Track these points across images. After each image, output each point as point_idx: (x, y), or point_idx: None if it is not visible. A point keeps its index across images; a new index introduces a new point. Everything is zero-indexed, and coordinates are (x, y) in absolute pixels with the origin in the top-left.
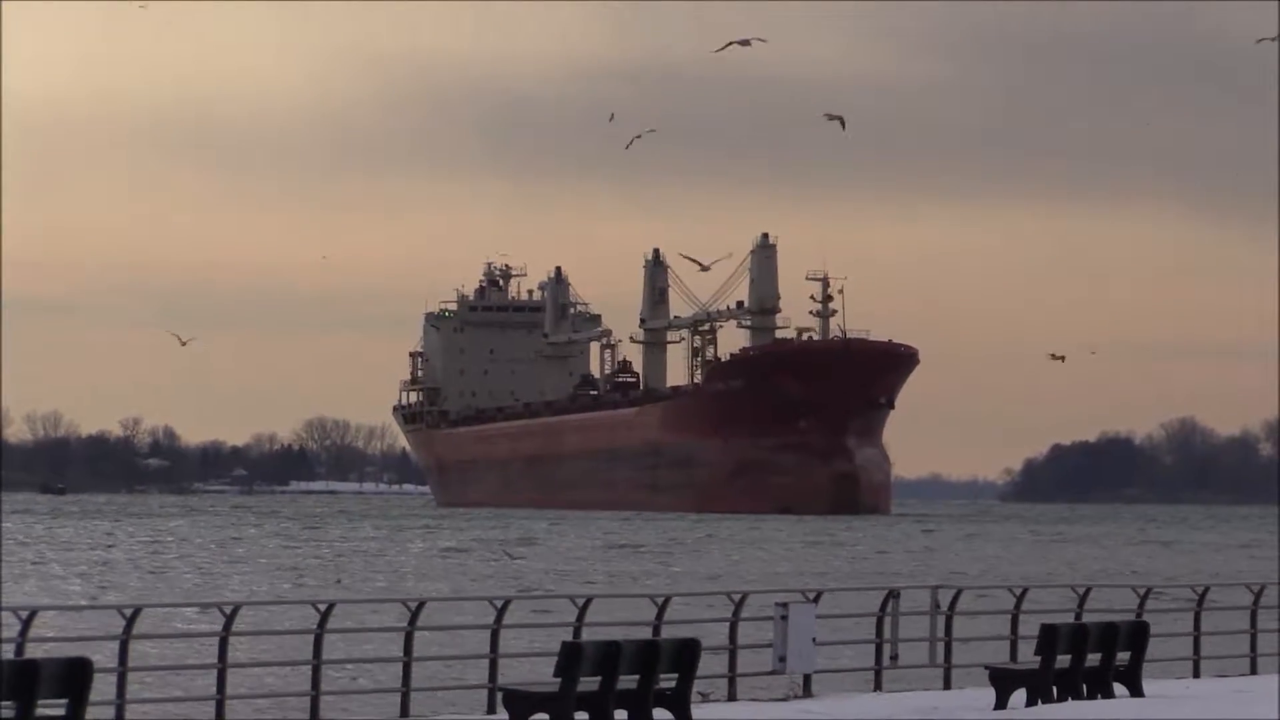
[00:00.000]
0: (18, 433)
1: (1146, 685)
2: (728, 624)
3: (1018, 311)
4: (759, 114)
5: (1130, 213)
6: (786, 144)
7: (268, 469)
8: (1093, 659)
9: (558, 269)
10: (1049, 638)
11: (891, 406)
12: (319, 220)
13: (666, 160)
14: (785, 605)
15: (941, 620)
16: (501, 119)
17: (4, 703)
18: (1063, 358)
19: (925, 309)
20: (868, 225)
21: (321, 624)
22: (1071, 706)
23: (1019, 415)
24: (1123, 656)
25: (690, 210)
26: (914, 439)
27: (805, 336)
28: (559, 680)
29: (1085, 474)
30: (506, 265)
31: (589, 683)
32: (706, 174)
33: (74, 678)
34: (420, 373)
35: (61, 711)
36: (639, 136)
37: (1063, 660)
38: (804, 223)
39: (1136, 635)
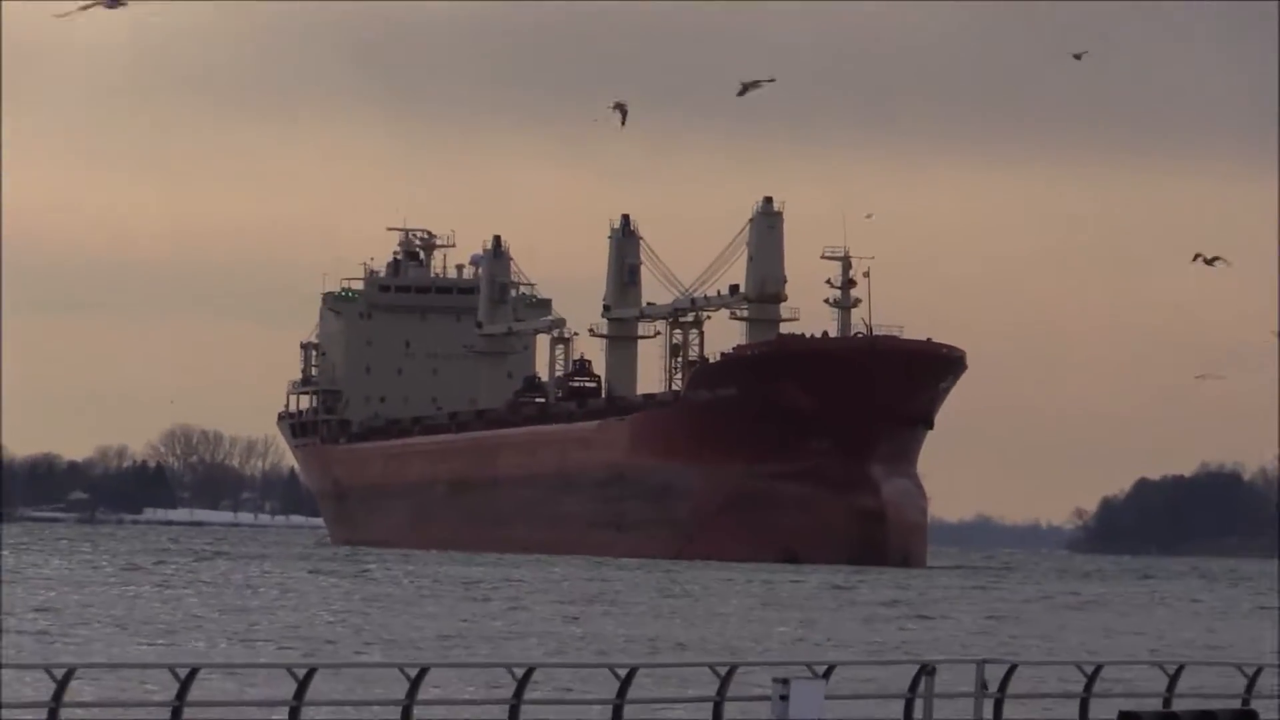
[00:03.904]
0: None
1: None
2: (711, 704)
3: (1090, 304)
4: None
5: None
6: (788, 95)
7: (115, 492)
8: None
9: (496, 239)
10: None
11: (930, 426)
12: (187, 176)
13: (638, 108)
14: (785, 682)
15: (989, 704)
16: (403, 51)
17: None
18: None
19: (973, 299)
20: (892, 192)
21: (299, 694)
22: None
23: (1094, 441)
24: None
25: (668, 170)
26: (957, 469)
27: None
28: None
29: (1178, 518)
30: (428, 233)
31: None
32: (690, 126)
33: None
34: (314, 370)
35: None
36: (756, 85)
37: None
38: (816, 187)
39: None
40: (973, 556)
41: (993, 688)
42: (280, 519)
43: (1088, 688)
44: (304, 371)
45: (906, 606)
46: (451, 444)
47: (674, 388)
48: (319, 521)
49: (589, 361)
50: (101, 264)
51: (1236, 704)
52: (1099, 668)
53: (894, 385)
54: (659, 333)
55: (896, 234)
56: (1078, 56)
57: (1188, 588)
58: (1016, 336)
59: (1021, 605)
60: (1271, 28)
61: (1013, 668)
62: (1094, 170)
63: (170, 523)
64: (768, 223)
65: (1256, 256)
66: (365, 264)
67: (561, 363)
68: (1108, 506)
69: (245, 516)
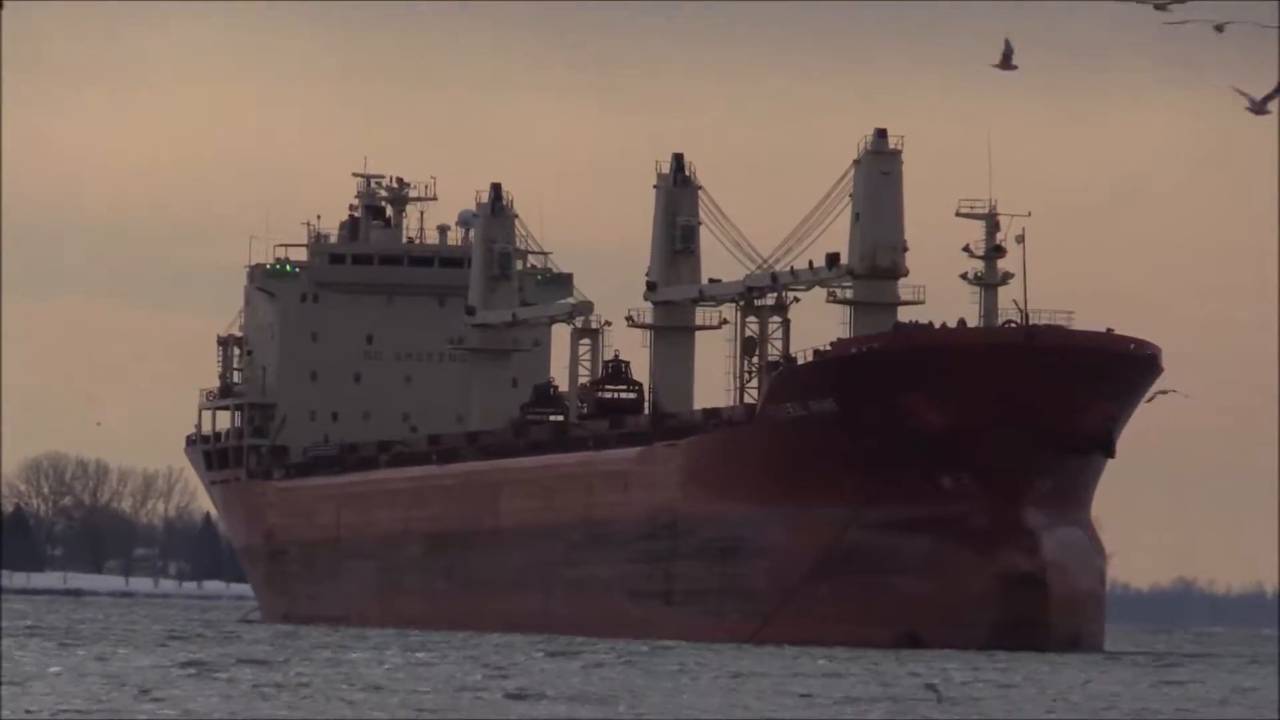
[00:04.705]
0: None
1: None
2: None
3: None
4: None
5: None
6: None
7: None
8: None
9: (494, 189)
10: None
11: (1110, 454)
12: (56, 102)
13: (684, 17)
14: None
15: None
16: None
17: None
18: None
19: (1167, 277)
20: (1052, 126)
21: None
22: None
23: None
24: None
25: (736, 94)
26: (1148, 515)
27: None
28: None
29: None
30: (399, 181)
31: None
32: (766, 34)
33: None
34: (237, 376)
35: None
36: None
37: None
38: (945, 115)
39: None
40: (1172, 638)
41: None
42: (190, 585)
43: None
44: (222, 377)
45: (1074, 708)
46: (433, 480)
47: (747, 399)
48: (245, 589)
49: (626, 363)
50: None
51: None
52: None
53: (1060, 396)
54: (726, 321)
55: (1058, 183)
56: None
57: None
58: (1230, 328)
59: (1223, 704)
60: None
61: None
62: None
63: (34, 591)
64: (880, 165)
65: None
66: (309, 224)
67: (588, 364)
68: None
69: (141, 583)
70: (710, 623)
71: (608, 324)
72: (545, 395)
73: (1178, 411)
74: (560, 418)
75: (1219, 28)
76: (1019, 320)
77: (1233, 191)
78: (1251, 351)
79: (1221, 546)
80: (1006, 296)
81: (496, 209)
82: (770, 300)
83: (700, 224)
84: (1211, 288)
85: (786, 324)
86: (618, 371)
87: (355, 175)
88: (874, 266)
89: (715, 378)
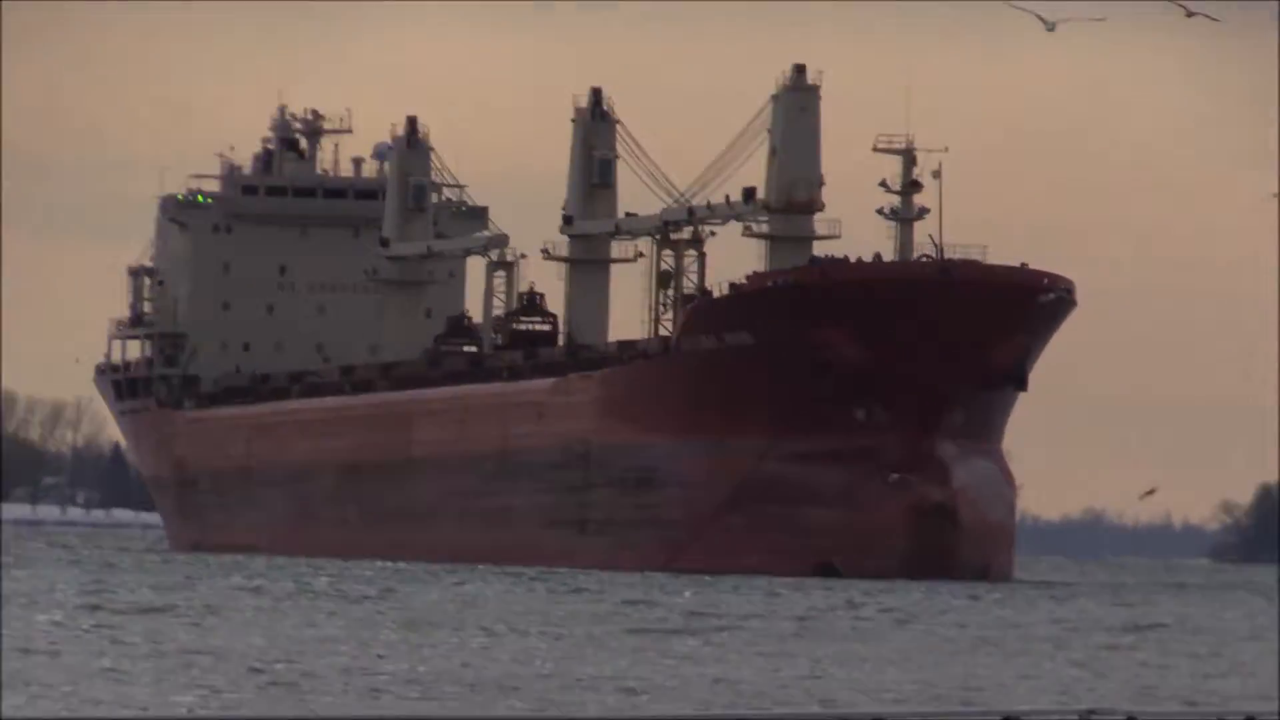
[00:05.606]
0: None
1: None
2: None
3: (1249, 217)
4: None
5: None
6: None
7: None
8: None
9: (410, 121)
10: None
11: (1022, 387)
12: None
13: None
14: None
15: None
16: None
17: None
18: None
19: (1082, 210)
20: (971, 60)
21: None
22: None
23: (1249, 408)
24: None
25: (653, 29)
26: (1059, 447)
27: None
28: None
29: None
30: (313, 114)
31: None
32: None
33: None
34: (147, 306)
35: None
36: None
37: None
38: (860, 51)
39: None
40: (1085, 568)
41: None
42: (99, 514)
43: None
44: (133, 308)
45: (981, 635)
46: (346, 411)
47: (662, 332)
48: (155, 519)
49: (541, 295)
50: None
51: None
52: None
53: (973, 329)
54: (641, 254)
55: (975, 118)
56: None
57: None
58: (1143, 262)
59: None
60: None
61: None
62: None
63: None
64: (799, 101)
65: None
66: (221, 155)
67: (503, 297)
68: (1268, 499)
69: (49, 510)
70: (625, 551)
71: (523, 257)
72: (459, 327)
73: (1091, 346)
74: (475, 349)
75: (1050, 28)
76: (934, 255)
77: (1149, 125)
78: (1163, 287)
79: (1131, 478)
80: (922, 231)
81: (412, 141)
82: (686, 234)
83: (618, 158)
84: (1127, 224)
85: (702, 258)
86: (533, 304)
87: (273, 106)
88: (790, 201)
89: (631, 311)
